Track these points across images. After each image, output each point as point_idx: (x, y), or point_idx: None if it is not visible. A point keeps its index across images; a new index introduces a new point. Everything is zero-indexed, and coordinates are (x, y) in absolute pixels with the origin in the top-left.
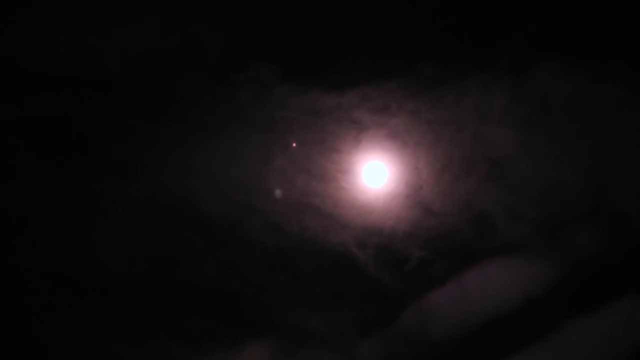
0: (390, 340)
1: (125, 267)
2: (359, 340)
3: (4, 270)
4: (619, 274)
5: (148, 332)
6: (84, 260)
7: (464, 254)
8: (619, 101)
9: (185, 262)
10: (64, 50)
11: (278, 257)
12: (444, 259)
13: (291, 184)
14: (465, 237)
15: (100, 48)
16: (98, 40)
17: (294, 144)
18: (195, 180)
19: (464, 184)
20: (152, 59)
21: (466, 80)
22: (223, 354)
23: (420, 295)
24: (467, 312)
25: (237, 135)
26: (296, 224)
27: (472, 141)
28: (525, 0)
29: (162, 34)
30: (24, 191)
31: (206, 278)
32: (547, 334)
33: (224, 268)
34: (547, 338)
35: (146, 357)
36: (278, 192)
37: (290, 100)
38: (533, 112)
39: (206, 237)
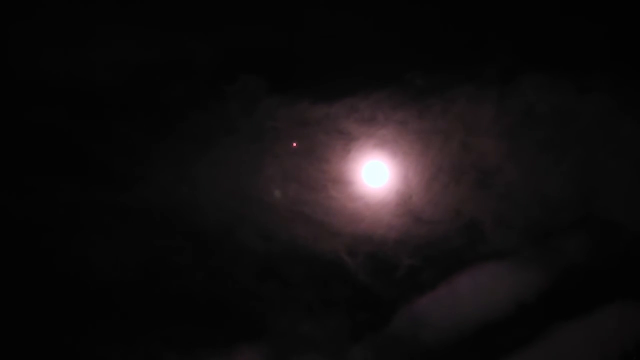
0: (381, 345)
1: (118, 275)
2: (350, 346)
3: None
4: (607, 280)
5: (142, 339)
6: (78, 268)
7: (453, 261)
8: (604, 111)
9: (178, 270)
10: (57, 63)
11: (269, 264)
12: (433, 267)
13: (281, 192)
14: (454, 244)
15: (92, 61)
16: (91, 53)
17: (294, 144)
18: (186, 190)
19: (453, 192)
20: (144, 73)
21: (453, 91)
22: None
23: (410, 301)
24: (458, 317)
25: (227, 146)
26: (287, 232)
27: (460, 151)
28: (510, 12)
29: (153, 48)
30: (19, 200)
31: (199, 285)
32: (537, 338)
33: (217, 275)
34: (537, 342)
35: None
36: (269, 201)
37: (279, 112)
38: (520, 122)
39: (198, 245)
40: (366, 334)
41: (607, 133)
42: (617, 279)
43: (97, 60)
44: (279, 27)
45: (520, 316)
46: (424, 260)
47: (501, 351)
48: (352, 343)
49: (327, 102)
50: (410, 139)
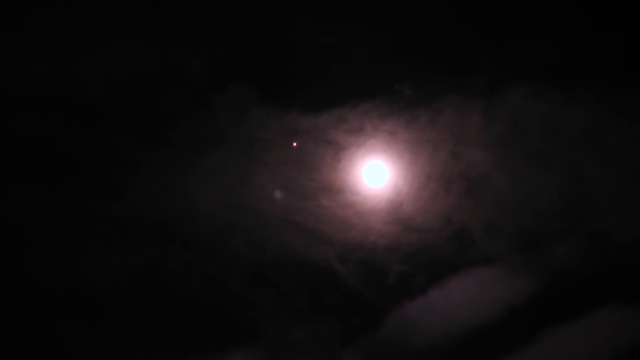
0: (372, 350)
1: (111, 282)
2: (341, 351)
3: None
4: (597, 285)
5: (134, 346)
6: (71, 276)
7: (444, 268)
8: (591, 120)
9: (170, 277)
10: (49, 74)
11: (261, 272)
12: (424, 273)
13: (272, 201)
14: (445, 252)
15: (84, 72)
16: (82, 65)
17: (294, 144)
18: (177, 199)
19: (443, 201)
20: (134, 83)
21: (441, 101)
22: None
23: (402, 307)
24: (449, 322)
25: (218, 156)
26: (278, 240)
27: (449, 160)
28: (497, 23)
29: (143, 59)
30: (12, 210)
31: (191, 293)
32: (528, 342)
33: (209, 283)
34: (529, 346)
35: None
36: (259, 209)
37: (268, 122)
38: (507, 132)
39: (190, 253)
40: (357, 340)
41: (594, 142)
42: (607, 284)
43: (88, 71)
44: (268, 38)
45: (511, 320)
46: (415, 267)
47: (492, 355)
48: (344, 348)
49: (316, 112)
50: (399, 148)
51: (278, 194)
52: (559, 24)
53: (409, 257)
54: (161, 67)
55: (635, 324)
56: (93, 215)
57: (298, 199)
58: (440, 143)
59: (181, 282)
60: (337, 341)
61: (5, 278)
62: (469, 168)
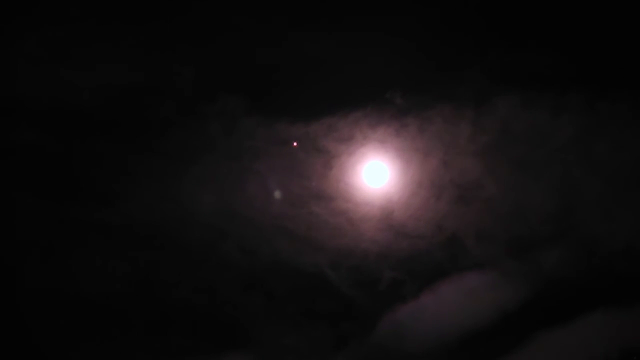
0: (365, 354)
1: (104, 289)
2: (334, 355)
3: None
4: (586, 291)
5: (128, 351)
6: (65, 283)
7: (435, 274)
8: (579, 128)
9: (162, 284)
10: (40, 83)
11: (254, 278)
12: (415, 279)
13: (263, 208)
14: (436, 258)
15: (75, 81)
16: (73, 74)
17: (295, 144)
18: (169, 207)
19: (434, 208)
20: (125, 92)
21: (430, 110)
22: None
23: (394, 313)
24: (441, 326)
25: (208, 164)
26: (270, 246)
27: (440, 168)
28: (485, 33)
29: (135, 68)
30: (3, 218)
31: (184, 299)
32: (520, 346)
33: (201, 290)
34: (520, 350)
35: None
36: (251, 216)
37: (258, 131)
38: (497, 140)
39: (183, 260)
40: (349, 344)
41: (583, 149)
42: (597, 289)
43: (79, 80)
44: (258, 47)
45: (503, 325)
46: (407, 273)
47: (485, 359)
48: (336, 353)
49: (306, 121)
50: (389, 156)
51: (270, 202)
52: (547, 34)
53: (400, 264)
54: (152, 76)
55: (625, 328)
56: (85, 223)
57: (290, 206)
58: (430, 151)
59: (174, 288)
60: (329, 346)
61: None
62: (459, 176)
